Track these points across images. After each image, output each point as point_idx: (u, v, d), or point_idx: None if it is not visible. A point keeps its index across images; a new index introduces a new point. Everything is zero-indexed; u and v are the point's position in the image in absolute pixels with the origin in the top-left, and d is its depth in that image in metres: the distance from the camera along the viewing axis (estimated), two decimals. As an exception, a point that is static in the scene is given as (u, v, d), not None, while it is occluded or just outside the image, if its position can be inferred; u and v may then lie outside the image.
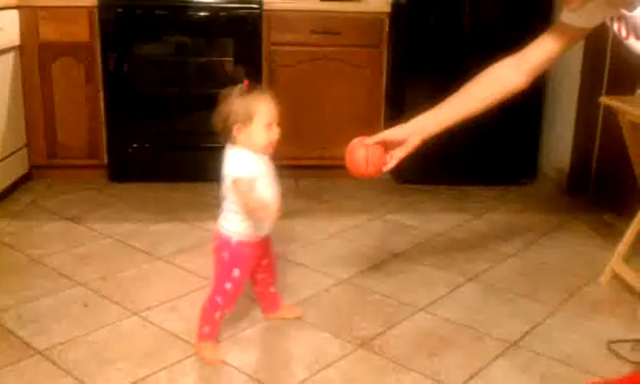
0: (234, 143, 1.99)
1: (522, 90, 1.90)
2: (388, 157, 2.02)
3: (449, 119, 1.98)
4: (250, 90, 1.99)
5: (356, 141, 2.01)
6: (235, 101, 1.96)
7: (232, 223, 2.01)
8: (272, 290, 2.22)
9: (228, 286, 2.01)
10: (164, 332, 2.15)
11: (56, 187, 3.61)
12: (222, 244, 2.03)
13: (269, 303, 2.24)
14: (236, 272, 2.02)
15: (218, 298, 2.02)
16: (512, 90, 1.92)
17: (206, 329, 2.03)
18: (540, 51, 1.87)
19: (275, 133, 1.99)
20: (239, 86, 1.99)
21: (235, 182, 1.96)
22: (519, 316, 2.30)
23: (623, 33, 1.58)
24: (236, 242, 2.01)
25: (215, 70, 3.65)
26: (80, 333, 2.14)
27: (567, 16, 1.77)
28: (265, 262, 2.15)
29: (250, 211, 1.97)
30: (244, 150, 1.97)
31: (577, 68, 3.54)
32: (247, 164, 1.96)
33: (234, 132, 1.96)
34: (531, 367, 2.00)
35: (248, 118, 1.95)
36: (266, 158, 2.03)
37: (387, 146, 2.01)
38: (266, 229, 2.05)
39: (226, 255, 2.02)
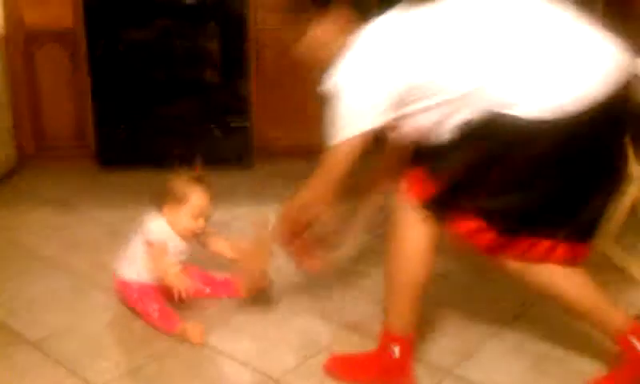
0: (161, 215, 2.17)
1: None
2: None
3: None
4: (199, 176, 2.18)
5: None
6: (178, 180, 2.16)
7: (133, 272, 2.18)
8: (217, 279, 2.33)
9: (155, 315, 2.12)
10: (155, 320, 2.14)
11: (45, 174, 3.59)
12: (127, 289, 2.19)
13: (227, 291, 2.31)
14: (154, 307, 2.13)
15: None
16: None
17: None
18: None
19: (200, 225, 2.16)
20: (192, 172, 2.19)
21: (149, 243, 2.14)
22: (511, 297, 2.29)
23: None
24: (138, 287, 2.16)
25: (202, 54, 3.62)
26: (71, 322, 2.14)
27: None
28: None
29: (159, 276, 2.12)
30: (166, 226, 2.15)
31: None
32: (162, 231, 2.14)
33: (164, 208, 2.16)
34: (523, 349, 2.01)
35: (177, 202, 2.13)
36: (185, 244, 2.20)
37: None
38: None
39: (135, 296, 2.17)
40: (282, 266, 2.46)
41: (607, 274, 2.45)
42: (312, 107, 3.72)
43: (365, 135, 1.65)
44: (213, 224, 2.24)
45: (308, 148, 3.77)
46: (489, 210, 1.64)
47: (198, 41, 3.60)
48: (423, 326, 2.11)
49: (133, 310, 2.17)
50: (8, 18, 3.46)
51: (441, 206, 1.68)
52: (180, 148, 3.63)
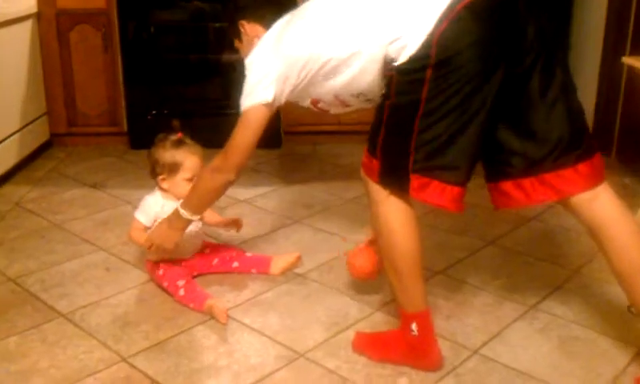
0: (157, 187, 2.23)
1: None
2: None
3: None
4: (182, 141, 2.22)
5: (351, 252, 2.11)
6: (162, 151, 2.20)
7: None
8: (247, 255, 2.36)
9: (181, 293, 2.14)
10: (184, 295, 2.17)
11: (76, 154, 3.65)
12: (154, 267, 2.24)
13: (257, 266, 2.33)
14: (179, 285, 2.15)
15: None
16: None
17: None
18: None
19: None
20: (173, 136, 2.23)
21: (133, 220, 2.23)
22: (538, 279, 2.30)
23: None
24: (164, 265, 2.21)
25: (233, 36, 3.63)
26: (102, 296, 2.18)
27: None
28: (215, 262, 2.32)
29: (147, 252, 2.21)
30: (160, 199, 2.22)
31: (600, 27, 3.48)
32: (150, 213, 2.21)
33: (159, 181, 2.21)
34: (549, 330, 2.00)
35: (172, 170, 2.18)
36: None
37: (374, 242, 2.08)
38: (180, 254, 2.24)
39: (160, 272, 2.20)
40: (311, 247, 2.48)
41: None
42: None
43: (268, 105, 1.89)
44: (236, 201, 2.26)
45: (335, 129, 3.82)
46: (428, 165, 1.66)
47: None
48: (450, 305, 2.12)
49: (162, 288, 2.20)
50: (41, -4, 3.51)
51: (391, 177, 1.73)
52: (211, 130, 3.66)
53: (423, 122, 1.63)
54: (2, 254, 2.47)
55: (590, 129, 3.58)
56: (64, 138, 3.75)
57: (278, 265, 2.30)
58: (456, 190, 1.67)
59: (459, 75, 1.58)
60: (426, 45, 1.58)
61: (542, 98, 1.68)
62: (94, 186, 3.18)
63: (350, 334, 1.95)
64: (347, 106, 1.92)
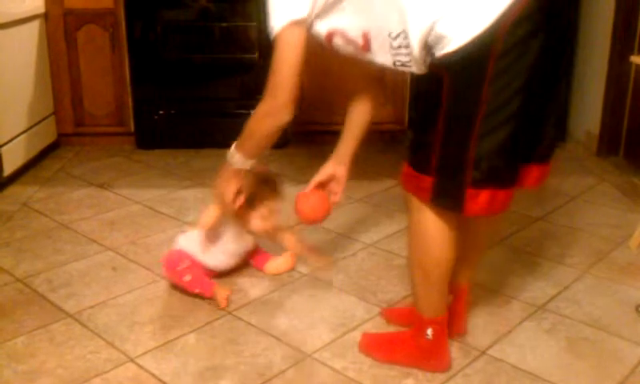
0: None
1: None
2: (331, 194, 2.10)
3: (353, 138, 2.06)
4: (267, 176, 2.17)
5: (299, 194, 2.07)
6: (250, 177, 2.02)
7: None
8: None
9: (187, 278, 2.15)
10: (191, 296, 2.17)
11: (84, 154, 3.65)
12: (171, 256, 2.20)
13: (255, 261, 2.35)
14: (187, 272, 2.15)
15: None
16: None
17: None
18: None
19: (269, 225, 2.18)
20: (260, 172, 2.11)
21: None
22: (546, 279, 2.29)
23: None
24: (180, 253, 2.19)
25: (240, 35, 3.63)
26: (109, 296, 2.18)
27: None
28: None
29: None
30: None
31: (608, 25, 3.46)
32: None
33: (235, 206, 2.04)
34: (558, 330, 1.99)
35: (248, 202, 2.06)
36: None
37: (324, 185, 2.08)
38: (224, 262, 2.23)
39: (188, 277, 2.15)
40: (319, 247, 2.48)
41: None
42: (349, 90, 3.74)
43: (303, 23, 1.63)
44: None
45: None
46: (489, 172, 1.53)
47: (237, 22, 3.61)
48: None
49: (170, 279, 2.20)
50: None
51: (447, 197, 1.59)
52: (218, 130, 3.68)
53: (483, 127, 1.49)
54: (9, 254, 2.48)
55: (598, 128, 3.60)
56: (71, 137, 3.76)
57: (271, 266, 2.33)
58: (509, 192, 1.59)
59: (520, 67, 1.47)
60: (491, 32, 1.42)
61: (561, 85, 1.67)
62: (101, 185, 3.19)
63: (357, 335, 1.94)
64: (368, 51, 1.66)
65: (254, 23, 3.58)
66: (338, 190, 2.10)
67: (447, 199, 1.60)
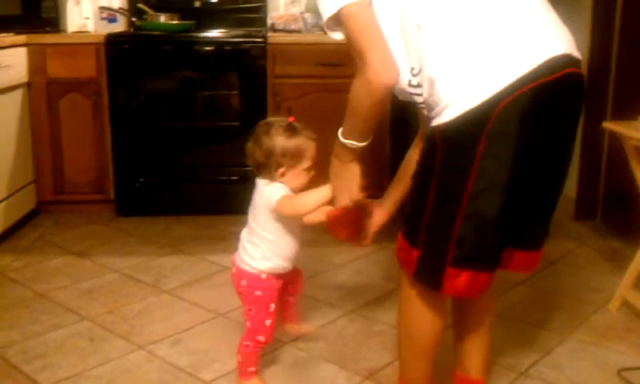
0: (271, 179, 1.91)
1: None
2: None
3: (402, 190, 1.92)
4: (297, 127, 1.91)
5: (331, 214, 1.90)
6: (282, 139, 1.87)
7: (255, 261, 1.94)
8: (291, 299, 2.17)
9: (268, 322, 1.94)
10: (169, 365, 2.13)
11: (63, 222, 3.63)
12: (252, 282, 1.94)
13: (288, 313, 2.18)
14: (272, 307, 1.95)
15: (261, 338, 1.95)
16: None
17: (252, 368, 1.99)
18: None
19: (310, 176, 1.93)
20: (280, 119, 1.92)
21: (278, 203, 1.86)
22: (528, 344, 2.28)
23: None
24: (265, 276, 1.95)
25: (221, 104, 3.67)
26: (86, 367, 2.13)
27: None
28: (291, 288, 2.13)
29: (310, 214, 1.89)
30: (281, 186, 1.90)
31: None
32: (282, 188, 1.90)
33: (278, 173, 1.89)
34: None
35: (296, 161, 1.88)
36: None
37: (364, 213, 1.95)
38: (289, 261, 1.99)
39: (259, 293, 1.94)
40: (300, 314, 2.45)
41: (630, 319, 2.43)
42: (330, 154, 3.77)
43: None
44: (226, 266, 2.23)
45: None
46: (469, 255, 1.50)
47: (218, 90, 3.66)
48: (439, 373, 2.09)
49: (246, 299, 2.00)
50: (32, 68, 3.54)
51: (428, 273, 1.56)
52: (198, 197, 3.68)
53: (471, 205, 1.46)
54: (-16, 325, 2.43)
55: (574, 194, 3.64)
56: (51, 205, 3.73)
57: (292, 330, 2.23)
58: (491, 275, 1.56)
59: (512, 146, 1.44)
60: (486, 107, 1.41)
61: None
62: (80, 254, 3.15)
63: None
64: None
65: (236, 92, 3.63)
66: (368, 233, 1.97)
67: (427, 275, 1.57)
